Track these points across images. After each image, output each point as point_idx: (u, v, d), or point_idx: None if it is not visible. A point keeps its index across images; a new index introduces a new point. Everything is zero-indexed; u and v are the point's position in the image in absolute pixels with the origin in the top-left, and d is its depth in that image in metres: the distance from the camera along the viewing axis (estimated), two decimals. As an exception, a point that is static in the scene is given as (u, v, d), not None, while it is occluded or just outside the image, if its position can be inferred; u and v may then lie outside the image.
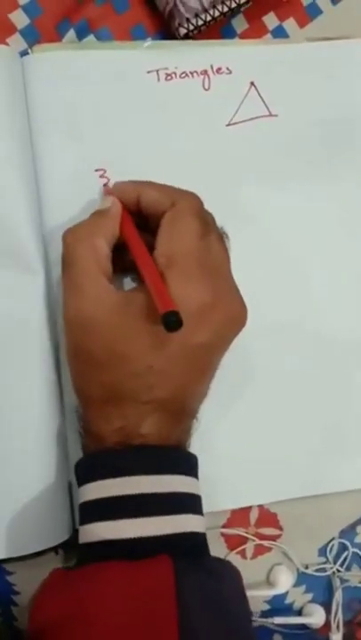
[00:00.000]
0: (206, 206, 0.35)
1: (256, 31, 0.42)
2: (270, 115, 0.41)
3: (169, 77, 0.39)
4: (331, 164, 0.41)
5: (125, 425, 0.31)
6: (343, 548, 0.42)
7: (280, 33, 0.42)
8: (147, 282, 0.31)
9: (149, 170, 0.36)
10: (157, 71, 0.39)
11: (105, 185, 0.38)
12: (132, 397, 0.32)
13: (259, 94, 0.41)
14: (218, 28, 0.41)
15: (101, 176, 0.38)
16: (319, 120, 0.41)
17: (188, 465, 0.33)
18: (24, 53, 0.39)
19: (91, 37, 0.40)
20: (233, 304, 0.33)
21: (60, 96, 0.38)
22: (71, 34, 0.40)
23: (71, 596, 0.29)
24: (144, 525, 0.30)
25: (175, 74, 0.40)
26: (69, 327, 0.33)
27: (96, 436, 0.32)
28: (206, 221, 0.34)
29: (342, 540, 0.42)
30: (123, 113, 0.39)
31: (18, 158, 0.36)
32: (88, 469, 0.32)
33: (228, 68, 0.40)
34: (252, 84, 0.41)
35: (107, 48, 0.39)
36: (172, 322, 0.29)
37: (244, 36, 0.42)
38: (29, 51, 0.39)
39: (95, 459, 0.32)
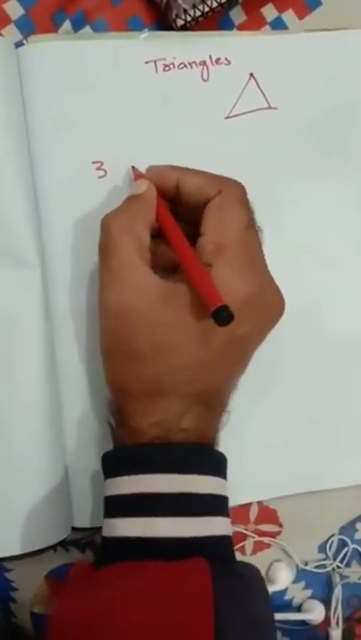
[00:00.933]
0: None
1: (254, 23, 0.42)
2: (270, 107, 0.41)
3: (167, 68, 0.39)
4: (331, 155, 0.41)
5: (165, 419, 0.31)
6: (343, 544, 0.42)
7: (279, 25, 0.42)
8: (190, 275, 0.31)
9: (147, 162, 0.36)
10: (155, 62, 0.39)
11: (133, 167, 0.37)
12: (174, 390, 0.31)
13: (258, 86, 0.40)
14: (215, 20, 0.41)
15: (98, 168, 0.38)
16: (318, 111, 0.41)
17: (220, 465, 0.32)
18: (19, 44, 0.38)
19: (87, 29, 0.39)
20: (274, 295, 0.33)
21: (56, 87, 0.38)
22: (67, 25, 0.39)
23: (104, 594, 0.28)
24: (181, 525, 0.30)
25: (173, 64, 0.39)
26: (109, 318, 0.32)
27: (133, 430, 0.31)
28: (251, 212, 0.34)
29: (342, 537, 0.41)
30: (120, 104, 0.39)
31: (14, 151, 0.36)
32: (122, 462, 0.32)
33: (226, 59, 0.40)
34: (251, 75, 0.40)
35: (103, 39, 0.39)
36: (223, 317, 0.29)
37: (242, 27, 0.41)
38: (24, 42, 0.38)
39: (131, 452, 0.31)
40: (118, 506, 0.31)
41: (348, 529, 0.42)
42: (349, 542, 0.41)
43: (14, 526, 0.35)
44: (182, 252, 0.32)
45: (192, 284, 0.31)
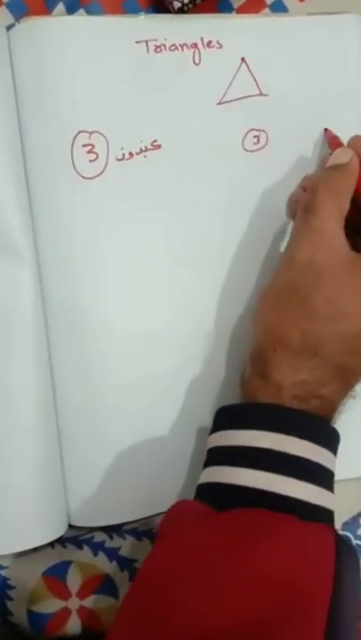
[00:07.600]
0: (195, 184, 0.34)
1: (254, 5, 0.41)
2: (261, 94, 0.39)
3: (158, 49, 0.38)
4: (324, 145, 0.40)
5: (309, 380, 0.32)
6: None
7: (279, 7, 0.41)
8: None
9: (137, 146, 0.36)
10: (147, 42, 0.38)
11: (326, 130, 0.39)
12: (329, 356, 0.32)
13: (250, 71, 0.39)
14: (214, 2, 0.40)
15: (89, 151, 0.37)
16: (311, 100, 0.40)
17: (335, 443, 0.33)
18: (10, 28, 0.37)
19: (81, 12, 0.39)
20: None
21: (46, 68, 0.36)
22: (60, 8, 0.38)
23: (237, 537, 0.28)
24: (311, 491, 0.30)
25: (165, 46, 0.38)
26: (293, 268, 0.33)
27: (275, 384, 0.32)
28: None
29: (345, 533, 0.41)
30: (112, 86, 0.37)
31: (4, 136, 0.35)
32: (262, 417, 0.32)
33: (218, 42, 0.39)
34: (242, 59, 0.39)
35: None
36: None
37: (241, 10, 0.41)
38: (16, 24, 0.37)
39: (273, 411, 0.32)
40: (246, 456, 0.31)
41: (351, 524, 0.41)
42: (352, 538, 0.41)
43: (9, 524, 0.35)
44: None
45: None
